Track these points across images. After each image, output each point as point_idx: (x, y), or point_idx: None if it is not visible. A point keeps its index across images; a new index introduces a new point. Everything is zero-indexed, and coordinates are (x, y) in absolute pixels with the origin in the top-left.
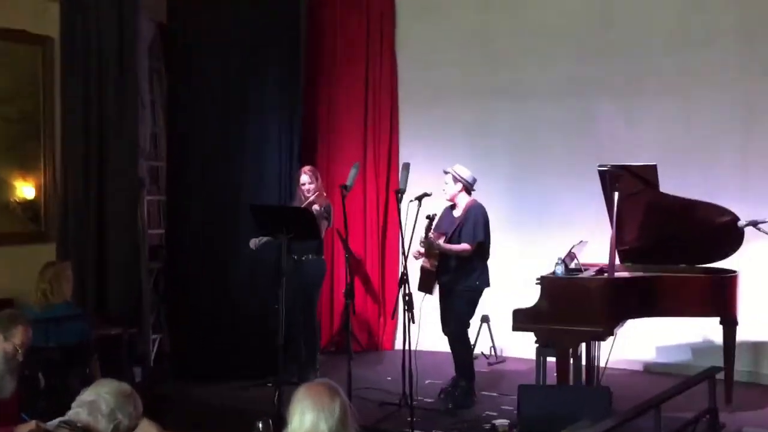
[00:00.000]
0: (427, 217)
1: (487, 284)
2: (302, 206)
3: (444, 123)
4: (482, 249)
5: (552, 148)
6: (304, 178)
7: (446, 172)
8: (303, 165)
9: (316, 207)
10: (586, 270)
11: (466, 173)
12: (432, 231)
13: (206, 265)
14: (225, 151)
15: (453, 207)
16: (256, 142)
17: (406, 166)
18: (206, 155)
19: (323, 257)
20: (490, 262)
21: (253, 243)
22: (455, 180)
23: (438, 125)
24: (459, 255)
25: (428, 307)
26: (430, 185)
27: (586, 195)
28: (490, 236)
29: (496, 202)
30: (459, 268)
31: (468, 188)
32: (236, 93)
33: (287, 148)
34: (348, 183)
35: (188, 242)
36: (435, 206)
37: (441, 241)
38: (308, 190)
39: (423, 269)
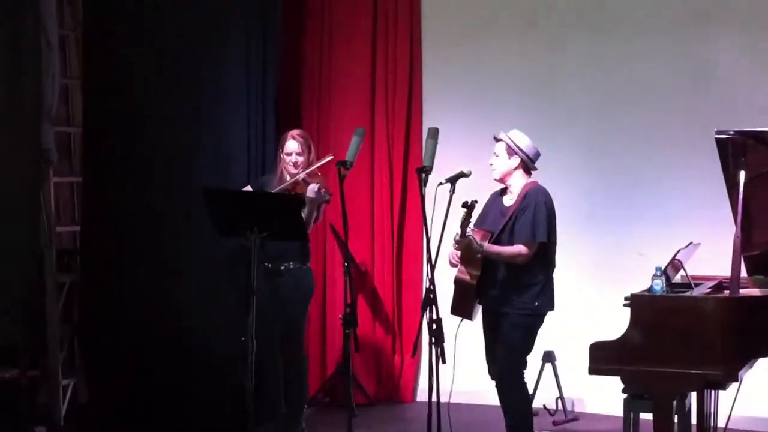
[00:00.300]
0: (465, 204)
1: (552, 306)
2: (284, 188)
3: (486, 72)
4: (545, 254)
5: (646, 108)
6: (292, 145)
7: (497, 140)
8: (283, 131)
9: (313, 187)
10: (697, 285)
11: (525, 142)
12: (472, 227)
13: (142, 278)
14: (169, 113)
15: (503, 192)
16: (213, 101)
17: (433, 132)
18: (141, 118)
19: (310, 266)
20: (555, 274)
21: None
22: (510, 152)
23: (478, 75)
24: (511, 262)
25: (467, 338)
26: (468, 161)
27: (697, 175)
28: (557, 236)
29: (564, 187)
30: (511, 282)
31: (527, 165)
32: (186, 32)
33: (258, 110)
34: (348, 158)
35: (115, 245)
36: (476, 191)
37: (486, 242)
38: (296, 164)
39: (459, 283)
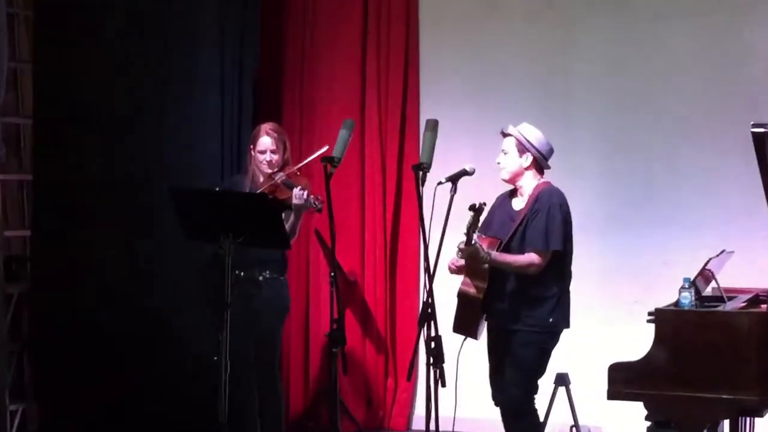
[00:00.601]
0: (473, 207)
1: (567, 322)
2: (262, 190)
3: (492, 57)
4: (560, 264)
5: (673, 100)
6: (266, 141)
7: (505, 135)
8: (260, 123)
9: (300, 192)
10: (730, 299)
11: (537, 137)
12: (478, 233)
13: (101, 288)
14: (134, 102)
15: (513, 194)
16: (183, 89)
17: (432, 125)
18: (101, 108)
19: (286, 277)
20: (571, 286)
21: None
22: (521, 148)
23: (482, 61)
24: (522, 272)
25: (470, 359)
26: (472, 157)
27: (731, 175)
28: (572, 244)
29: (579, 188)
30: (522, 295)
31: (540, 163)
32: (154, 9)
33: (233, 99)
34: (335, 154)
35: (70, 251)
36: (480, 191)
37: (493, 250)
38: (270, 163)
39: (463, 297)
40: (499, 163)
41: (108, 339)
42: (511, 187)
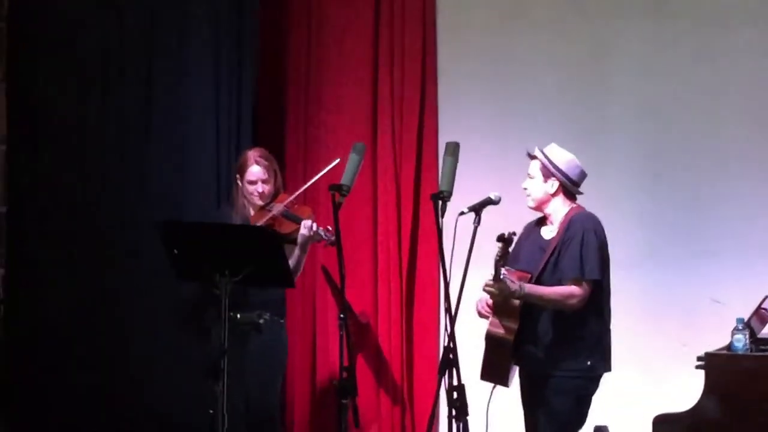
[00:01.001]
0: (501, 238)
1: (608, 366)
2: (260, 224)
3: (518, 73)
4: (598, 298)
5: (724, 118)
6: (256, 171)
7: (532, 157)
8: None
9: (308, 223)
10: None
11: (565, 160)
12: (506, 267)
13: (79, 331)
14: (117, 125)
15: (542, 222)
16: (172, 114)
17: (452, 149)
18: (81, 132)
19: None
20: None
21: None
22: (546, 173)
23: (507, 77)
24: (561, 307)
25: (501, 410)
26: (497, 184)
27: None
28: (609, 276)
29: (616, 217)
30: (557, 336)
31: (568, 189)
32: (139, 25)
33: (230, 125)
34: (344, 182)
35: (47, 291)
36: (507, 221)
37: (525, 282)
38: (262, 194)
39: (491, 339)
40: (525, 189)
41: (92, 388)
42: (539, 214)
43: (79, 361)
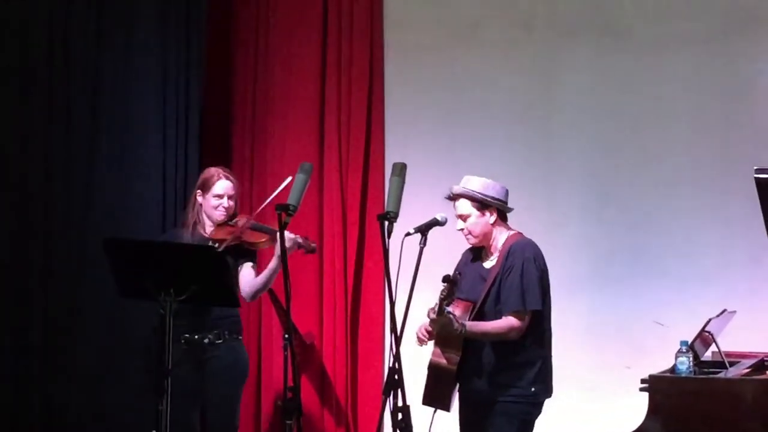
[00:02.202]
0: (447, 279)
1: (549, 391)
2: (228, 242)
3: (466, 92)
4: (538, 325)
5: (668, 139)
6: (225, 185)
7: (454, 197)
8: (206, 166)
9: (292, 235)
10: (732, 364)
11: (489, 186)
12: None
13: (20, 357)
14: (61, 143)
15: (479, 250)
16: (116, 128)
17: (399, 169)
18: (19, 149)
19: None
20: (552, 350)
21: None
22: (480, 206)
23: (455, 97)
24: (502, 339)
25: (443, 430)
26: (444, 205)
27: (733, 224)
28: (550, 301)
29: (561, 239)
30: (500, 364)
31: (504, 211)
32: (88, 36)
33: (178, 143)
34: (291, 202)
35: None
36: (455, 243)
37: (467, 317)
38: (227, 209)
39: (435, 369)
40: (462, 229)
41: (20, 416)
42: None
43: (21, 380)
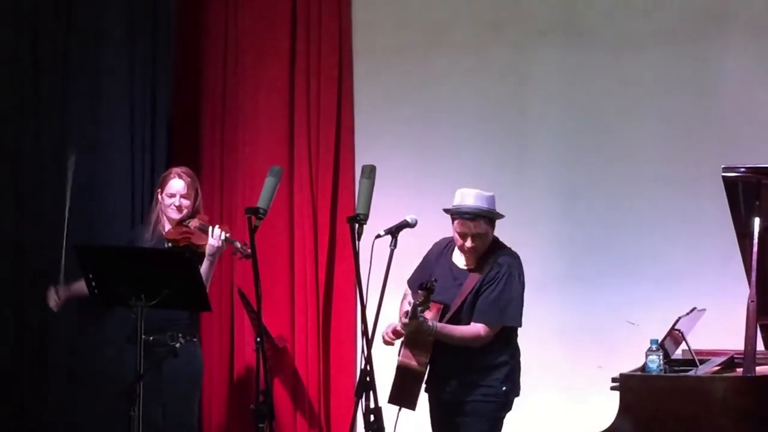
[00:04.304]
0: (423, 286)
1: (518, 391)
2: (174, 240)
3: (435, 94)
4: (509, 333)
5: (637, 138)
6: (177, 185)
7: (475, 217)
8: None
9: (219, 233)
10: (702, 362)
11: (492, 201)
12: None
13: None
14: (29, 149)
15: (451, 248)
16: (86, 131)
17: (369, 171)
18: None
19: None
20: (523, 349)
21: (53, 300)
22: (492, 223)
23: (424, 98)
24: (467, 345)
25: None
26: (414, 207)
27: (702, 223)
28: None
29: (532, 238)
30: (471, 365)
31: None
32: (55, 39)
33: (145, 150)
34: (261, 205)
35: None
36: (425, 245)
37: (437, 318)
38: (180, 208)
39: (403, 369)
40: (470, 247)
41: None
42: (449, 234)
43: None
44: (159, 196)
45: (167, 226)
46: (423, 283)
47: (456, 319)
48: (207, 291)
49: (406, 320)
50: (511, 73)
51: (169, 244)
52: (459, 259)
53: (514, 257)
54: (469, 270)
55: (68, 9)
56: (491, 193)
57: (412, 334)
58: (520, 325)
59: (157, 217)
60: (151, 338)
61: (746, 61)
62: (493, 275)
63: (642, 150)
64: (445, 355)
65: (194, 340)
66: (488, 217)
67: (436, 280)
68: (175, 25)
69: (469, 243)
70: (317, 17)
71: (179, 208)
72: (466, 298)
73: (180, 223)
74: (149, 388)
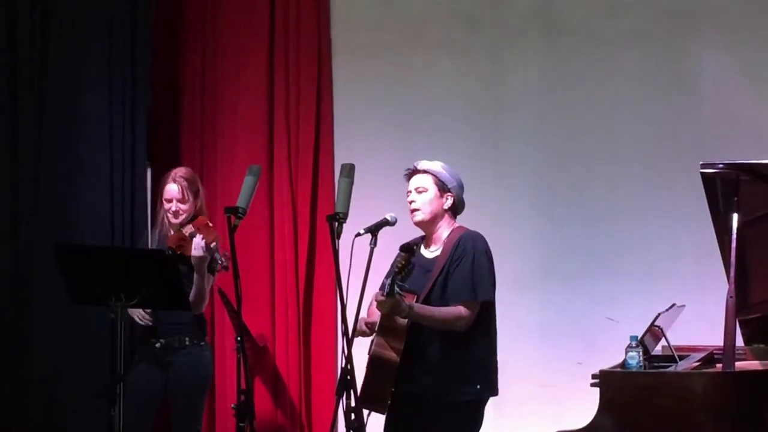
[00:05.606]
0: (405, 247)
1: (495, 389)
2: (170, 248)
3: (413, 92)
4: (488, 318)
5: (615, 135)
6: (171, 189)
7: (419, 172)
8: (157, 176)
9: (199, 241)
10: (682, 358)
11: (458, 179)
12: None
13: None
14: (11, 143)
15: (421, 240)
16: (63, 131)
17: (348, 169)
18: None
19: (207, 341)
20: (500, 346)
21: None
22: (442, 186)
23: (403, 97)
24: (449, 328)
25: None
26: (394, 205)
27: (681, 219)
28: (495, 299)
29: (509, 234)
30: (445, 359)
31: (458, 208)
32: (34, 40)
33: (124, 148)
34: (240, 204)
35: None
36: (403, 241)
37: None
38: (177, 213)
39: (376, 360)
40: (412, 203)
41: None
42: (421, 233)
43: None
44: (161, 202)
45: (171, 231)
46: (405, 244)
47: (427, 304)
48: (206, 302)
49: (383, 297)
50: (488, 71)
51: (170, 251)
52: (425, 251)
53: (478, 236)
54: (435, 257)
55: (46, 8)
56: (455, 170)
57: (390, 313)
58: (492, 298)
59: (162, 221)
60: (160, 342)
61: (722, 59)
62: (460, 252)
63: (620, 147)
64: (420, 349)
65: (201, 343)
66: (434, 175)
67: (417, 244)
68: (155, 23)
69: (411, 197)
70: (296, 15)
71: (176, 213)
72: (435, 280)
73: (180, 228)
74: (145, 397)
